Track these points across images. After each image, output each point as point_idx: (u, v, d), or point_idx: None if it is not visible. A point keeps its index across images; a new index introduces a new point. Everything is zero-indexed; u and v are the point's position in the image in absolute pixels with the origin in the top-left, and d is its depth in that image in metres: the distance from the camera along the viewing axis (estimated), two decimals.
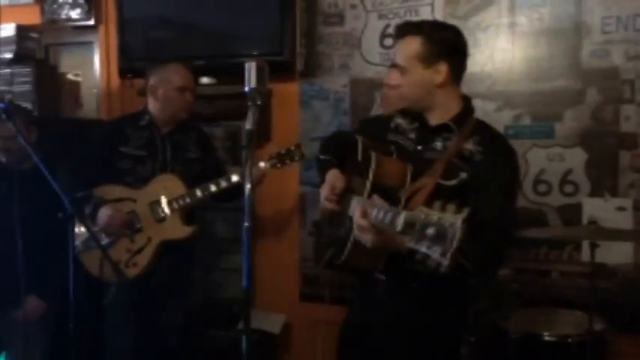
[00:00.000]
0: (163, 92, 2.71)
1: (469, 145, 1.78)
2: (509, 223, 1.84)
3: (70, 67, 3.93)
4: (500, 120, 3.00)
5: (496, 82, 3.03)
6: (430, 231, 1.29)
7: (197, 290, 3.23)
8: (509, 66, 3.01)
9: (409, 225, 1.34)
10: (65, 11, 3.79)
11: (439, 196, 1.51)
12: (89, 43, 3.90)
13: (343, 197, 1.88)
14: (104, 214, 2.57)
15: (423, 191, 1.69)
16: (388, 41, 3.21)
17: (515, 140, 2.98)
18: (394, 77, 1.87)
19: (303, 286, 3.42)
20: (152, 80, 2.74)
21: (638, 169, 2.81)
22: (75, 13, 3.78)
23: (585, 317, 2.29)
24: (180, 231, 2.66)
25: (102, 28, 3.84)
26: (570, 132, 2.91)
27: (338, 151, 2.02)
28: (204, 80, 3.49)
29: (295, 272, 3.43)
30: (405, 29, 1.83)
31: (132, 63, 3.52)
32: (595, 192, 2.87)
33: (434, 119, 1.85)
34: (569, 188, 2.93)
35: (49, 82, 3.59)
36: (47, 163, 1.93)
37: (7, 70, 3.47)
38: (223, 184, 2.64)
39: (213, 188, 2.64)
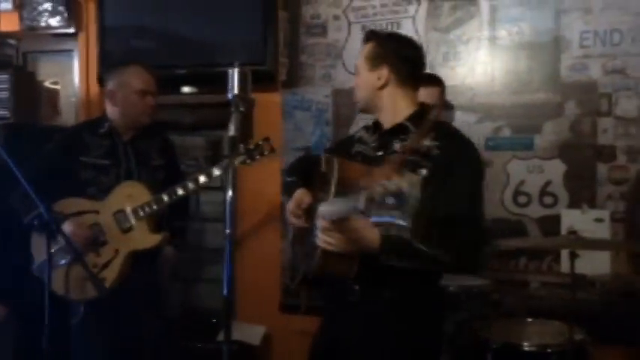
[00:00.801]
0: (122, 96, 2.57)
1: (426, 142, 1.80)
2: (479, 213, 1.82)
3: (48, 75, 3.88)
4: (480, 132, 3.03)
5: (477, 94, 3.06)
6: (390, 200, 1.34)
7: (176, 301, 3.18)
8: (490, 79, 3.05)
9: (369, 200, 1.37)
10: (45, 18, 3.74)
11: None
12: (68, 51, 3.86)
13: (311, 213, 1.88)
14: (66, 230, 2.39)
15: (378, 178, 1.70)
16: None
17: (496, 152, 3.03)
18: (355, 80, 1.99)
19: (284, 297, 3.39)
20: (110, 85, 2.61)
21: (616, 181, 2.85)
22: (54, 21, 3.73)
23: (565, 327, 2.29)
24: (148, 240, 2.52)
25: (82, 36, 3.80)
26: (549, 144, 2.95)
27: (304, 172, 2.06)
28: (186, 89, 3.47)
29: (276, 283, 3.40)
30: (368, 35, 1.95)
31: (109, 72, 3.48)
32: (573, 203, 2.91)
33: (386, 122, 1.91)
34: (548, 200, 2.96)
35: (27, 89, 3.52)
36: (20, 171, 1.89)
37: None
38: (191, 186, 2.51)
39: (180, 192, 2.51)
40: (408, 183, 1.34)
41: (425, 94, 2.57)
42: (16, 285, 2.47)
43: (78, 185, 2.54)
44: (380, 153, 1.88)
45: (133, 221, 2.51)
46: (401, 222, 1.31)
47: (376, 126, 1.95)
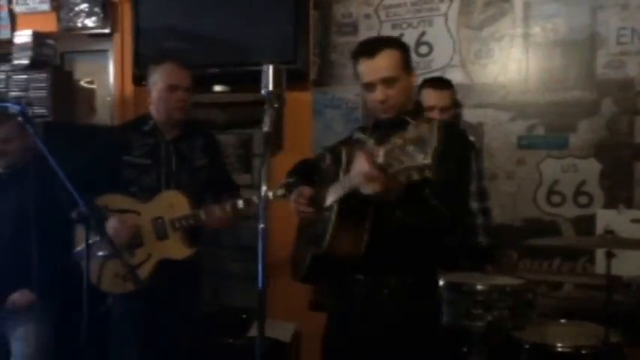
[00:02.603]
0: (155, 93, 2.63)
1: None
2: (465, 190, 2.04)
3: (84, 75, 3.97)
4: (513, 130, 2.99)
5: (510, 92, 3.03)
6: (411, 148, 1.33)
7: (205, 299, 3.21)
8: (523, 76, 3.01)
9: (388, 153, 1.37)
10: (81, 19, 3.83)
11: None
12: (104, 51, 3.94)
13: (314, 203, 1.93)
14: (111, 226, 2.49)
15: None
16: None
17: (529, 150, 2.99)
18: (382, 91, 1.87)
19: (313, 295, 3.40)
20: (148, 83, 2.68)
21: None
22: (91, 22, 3.82)
23: (599, 329, 2.25)
24: (180, 252, 2.57)
25: (117, 36, 3.88)
26: (584, 143, 2.90)
27: (305, 174, 2.13)
28: (218, 88, 3.51)
29: None
30: (377, 46, 1.90)
31: (146, 71, 3.52)
32: (609, 203, 2.85)
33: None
34: (583, 199, 2.91)
35: (64, 88, 3.61)
36: (58, 167, 1.95)
37: (23, 76, 3.50)
38: (227, 208, 2.55)
39: (218, 212, 2.55)
40: (427, 129, 1.34)
41: (436, 97, 2.63)
42: (55, 275, 2.56)
43: (121, 183, 2.61)
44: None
45: (169, 230, 2.57)
46: (422, 162, 1.33)
47: (375, 125, 1.97)
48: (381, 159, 1.40)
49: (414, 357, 1.88)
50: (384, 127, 1.90)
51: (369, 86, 1.89)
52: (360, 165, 1.58)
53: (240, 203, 2.55)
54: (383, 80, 1.86)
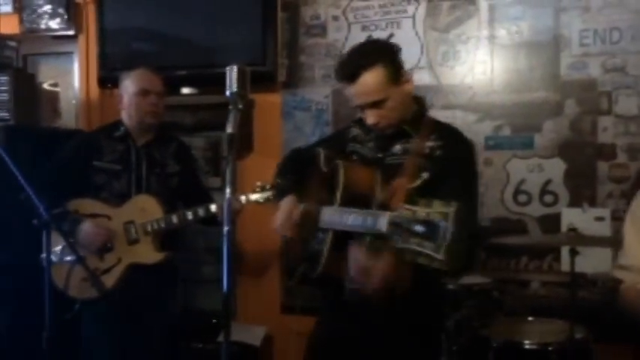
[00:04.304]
0: (127, 98, 2.64)
1: (429, 143, 1.80)
2: (475, 213, 1.81)
3: (48, 77, 3.88)
4: (480, 131, 3.03)
5: (476, 93, 3.06)
6: (418, 228, 1.26)
7: (177, 302, 3.18)
8: (490, 78, 3.05)
9: (394, 224, 1.31)
10: (45, 21, 3.74)
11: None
12: (69, 53, 3.86)
13: (308, 218, 1.82)
14: (87, 230, 2.49)
15: (399, 193, 1.66)
16: None
17: (496, 151, 3.03)
18: (373, 114, 1.77)
19: (284, 298, 3.39)
20: (120, 90, 2.70)
21: (616, 179, 2.85)
22: (54, 23, 3.74)
23: (566, 326, 2.29)
24: (150, 256, 2.57)
25: (82, 38, 3.80)
26: (549, 143, 2.95)
27: (296, 169, 1.97)
28: (186, 90, 3.47)
29: (276, 284, 3.40)
30: (356, 69, 1.76)
31: (112, 73, 3.47)
32: (574, 202, 2.90)
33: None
34: (548, 198, 2.96)
35: (27, 91, 3.52)
36: (20, 172, 1.90)
37: None
38: (201, 212, 2.55)
39: (190, 216, 2.56)
40: (440, 214, 1.25)
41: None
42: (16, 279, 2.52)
43: (91, 188, 2.60)
44: (379, 155, 1.86)
45: (139, 235, 2.56)
46: (433, 254, 1.24)
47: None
48: (383, 229, 1.34)
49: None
50: (387, 137, 1.84)
51: (359, 108, 1.81)
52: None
53: (214, 208, 2.54)
54: (370, 104, 1.76)
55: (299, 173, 1.95)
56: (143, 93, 2.62)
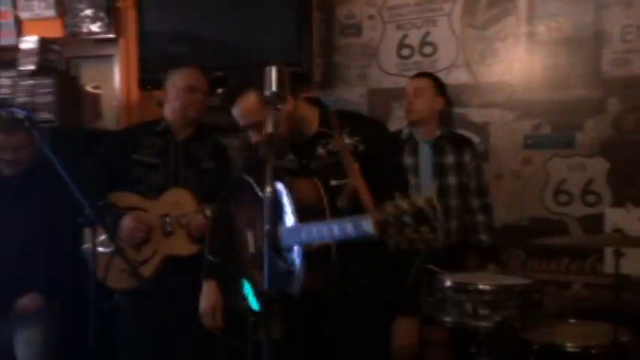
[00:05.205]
0: (174, 92, 2.71)
1: (348, 140, 1.81)
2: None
3: (90, 80, 3.98)
4: (519, 129, 2.98)
5: (515, 91, 3.02)
6: (407, 219, 1.25)
7: None
8: (528, 75, 3.00)
9: (382, 224, 1.28)
10: (86, 24, 3.84)
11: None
12: (109, 56, 3.95)
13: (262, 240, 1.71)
14: (128, 224, 2.55)
15: (362, 192, 1.63)
16: (405, 51, 3.22)
17: (535, 150, 2.97)
18: (254, 134, 1.85)
19: None
20: (165, 86, 2.77)
21: None
22: (96, 27, 3.83)
23: (609, 329, 2.23)
24: (186, 248, 2.60)
25: (122, 41, 3.89)
26: (591, 141, 2.88)
27: (226, 242, 2.07)
28: (221, 91, 3.51)
29: None
30: (234, 93, 1.83)
31: (152, 75, 3.54)
32: (617, 202, 2.83)
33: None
34: (590, 198, 2.89)
35: (70, 93, 3.63)
36: (65, 172, 1.96)
37: (29, 82, 3.51)
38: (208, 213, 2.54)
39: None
40: (422, 198, 1.23)
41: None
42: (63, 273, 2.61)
43: (129, 181, 2.65)
44: (304, 162, 1.85)
45: (174, 228, 2.60)
46: (431, 236, 1.23)
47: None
48: (373, 232, 1.30)
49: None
50: (305, 143, 1.85)
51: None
52: None
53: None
54: (249, 126, 1.82)
55: (228, 245, 2.06)
56: (190, 89, 2.70)
